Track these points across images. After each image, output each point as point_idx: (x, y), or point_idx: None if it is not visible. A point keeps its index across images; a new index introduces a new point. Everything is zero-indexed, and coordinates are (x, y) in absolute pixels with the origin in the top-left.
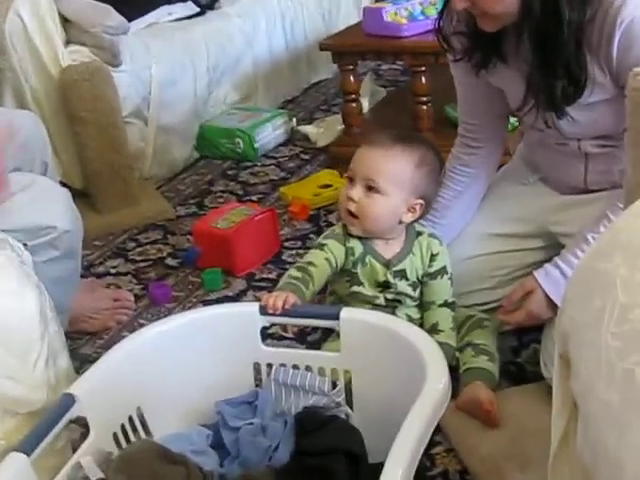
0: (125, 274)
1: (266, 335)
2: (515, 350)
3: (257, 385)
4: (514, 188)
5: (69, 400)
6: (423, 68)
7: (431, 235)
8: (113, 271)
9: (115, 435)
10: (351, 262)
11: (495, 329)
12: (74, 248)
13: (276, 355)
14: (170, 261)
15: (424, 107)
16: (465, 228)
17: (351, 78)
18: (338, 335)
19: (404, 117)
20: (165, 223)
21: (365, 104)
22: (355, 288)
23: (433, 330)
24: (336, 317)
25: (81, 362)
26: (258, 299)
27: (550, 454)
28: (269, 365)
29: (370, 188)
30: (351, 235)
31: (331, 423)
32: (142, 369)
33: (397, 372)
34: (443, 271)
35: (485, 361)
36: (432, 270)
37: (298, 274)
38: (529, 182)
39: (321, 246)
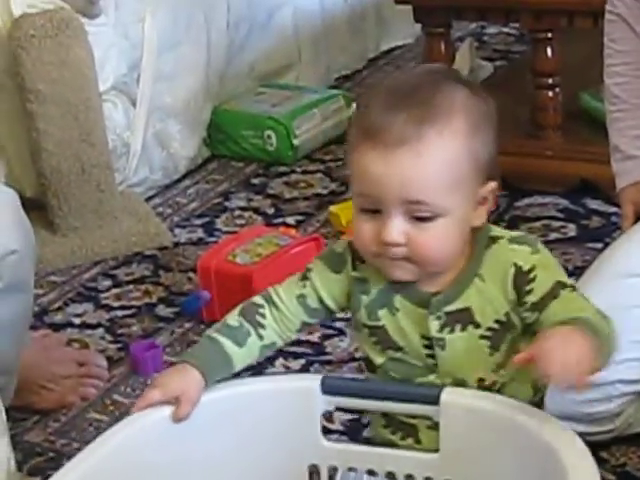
0: (95, 326)
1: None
2: None
3: None
4: None
5: None
6: (550, 34)
7: (515, 239)
8: (77, 321)
9: None
10: (364, 309)
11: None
12: (24, 278)
13: (343, 454)
14: (162, 310)
15: (549, 93)
16: (626, 267)
17: (441, 46)
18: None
19: (519, 106)
20: (157, 253)
21: None
22: (393, 354)
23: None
24: (434, 401)
25: (25, 455)
26: (292, 372)
27: None
28: (333, 469)
29: (419, 218)
30: (362, 259)
31: None
32: (143, 471)
33: None
34: (557, 288)
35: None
36: (533, 298)
37: (236, 322)
38: None
39: (304, 275)
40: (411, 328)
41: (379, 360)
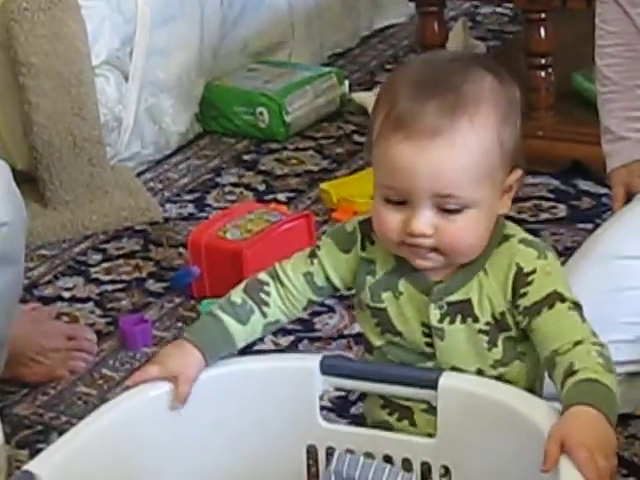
0: (85, 300)
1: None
2: None
3: (311, 478)
4: None
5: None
6: (543, 15)
7: (525, 241)
8: (67, 295)
9: None
10: (369, 290)
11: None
12: (14, 250)
13: (341, 436)
14: (152, 285)
15: (542, 73)
16: (615, 249)
17: (434, 25)
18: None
19: None
20: (147, 227)
21: None
22: (392, 338)
23: (567, 375)
24: (433, 385)
25: (13, 427)
26: (281, 348)
27: None
28: (330, 449)
29: (447, 209)
30: (371, 240)
31: None
32: (137, 448)
33: (519, 472)
34: (552, 298)
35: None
36: (526, 302)
37: (239, 298)
38: None
39: (312, 252)
40: (412, 314)
41: (378, 342)
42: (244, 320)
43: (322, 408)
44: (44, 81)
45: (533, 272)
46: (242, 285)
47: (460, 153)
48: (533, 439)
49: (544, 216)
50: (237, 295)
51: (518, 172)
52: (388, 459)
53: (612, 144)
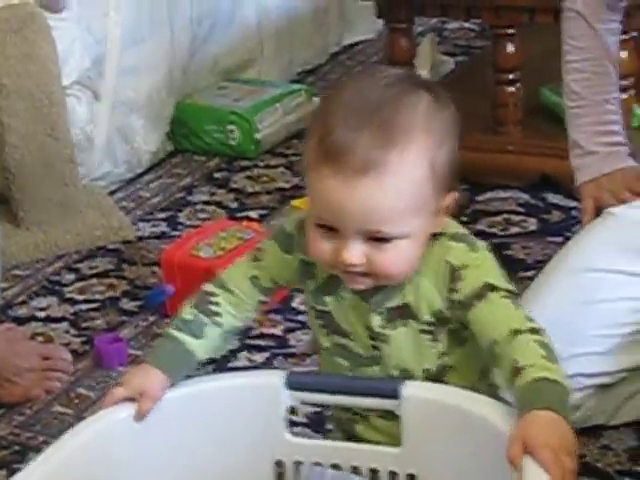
0: (59, 320)
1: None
2: (635, 454)
3: None
4: None
5: None
6: (511, 30)
7: (454, 237)
8: (41, 315)
9: None
10: (311, 293)
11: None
12: None
13: (308, 449)
14: (126, 304)
15: (510, 88)
16: (585, 262)
17: (403, 41)
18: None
19: (479, 101)
20: (120, 246)
21: None
22: (339, 339)
23: (514, 374)
24: (394, 395)
25: None
26: (256, 365)
27: None
28: (297, 463)
29: (377, 238)
30: None
31: None
32: (108, 470)
33: (482, 474)
34: (485, 290)
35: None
36: (459, 296)
37: (190, 314)
38: None
39: (256, 255)
40: (356, 319)
41: (325, 343)
42: (199, 334)
43: (297, 424)
44: (16, 102)
45: (464, 267)
46: (191, 301)
47: (390, 191)
48: (493, 441)
49: (514, 230)
50: (187, 311)
51: (453, 195)
52: (356, 470)
53: (581, 158)
